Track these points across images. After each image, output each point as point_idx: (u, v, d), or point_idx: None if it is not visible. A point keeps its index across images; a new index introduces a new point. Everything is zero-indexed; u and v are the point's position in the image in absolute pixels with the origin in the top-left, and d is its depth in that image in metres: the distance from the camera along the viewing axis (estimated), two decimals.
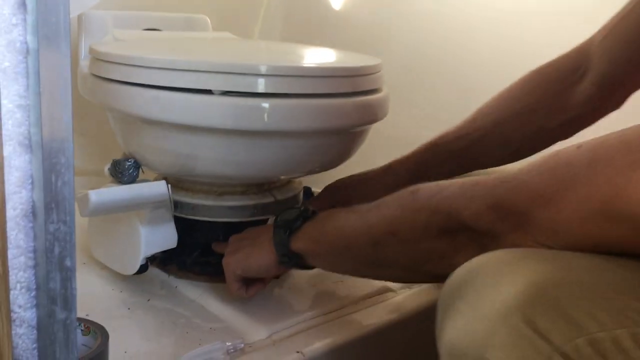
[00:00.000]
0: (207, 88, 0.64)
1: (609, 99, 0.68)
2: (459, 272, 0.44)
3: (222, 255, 0.79)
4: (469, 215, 0.47)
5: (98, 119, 0.82)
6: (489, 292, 0.40)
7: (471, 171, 0.79)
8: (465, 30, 1.05)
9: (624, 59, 0.64)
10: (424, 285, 0.83)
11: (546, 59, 0.73)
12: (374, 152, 0.81)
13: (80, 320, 0.58)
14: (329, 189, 0.83)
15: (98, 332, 0.57)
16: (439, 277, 0.54)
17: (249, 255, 0.68)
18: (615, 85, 0.66)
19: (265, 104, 0.65)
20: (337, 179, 0.87)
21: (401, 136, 0.88)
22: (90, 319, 0.68)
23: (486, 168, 0.78)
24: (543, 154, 0.48)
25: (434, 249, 0.51)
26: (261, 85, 0.64)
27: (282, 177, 0.78)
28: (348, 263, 0.61)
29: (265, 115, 0.65)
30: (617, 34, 0.64)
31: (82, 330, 0.58)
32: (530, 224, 0.44)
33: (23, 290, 0.36)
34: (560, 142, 0.73)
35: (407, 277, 0.59)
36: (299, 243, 0.63)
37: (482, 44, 1.03)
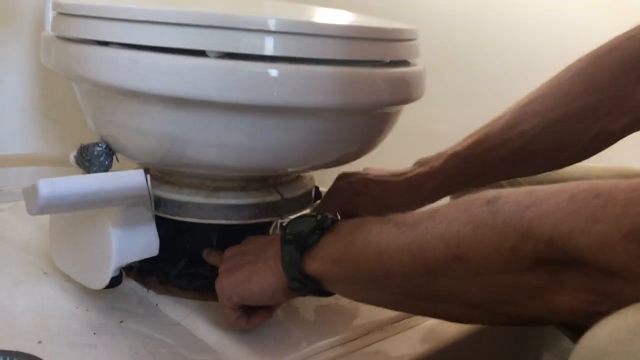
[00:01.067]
0: (200, 48, 0.49)
1: None
2: (602, 336, 0.28)
3: (214, 266, 0.64)
4: (589, 246, 0.32)
5: (70, 100, 0.68)
6: None
7: (508, 179, 0.66)
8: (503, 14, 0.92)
9: None
10: None
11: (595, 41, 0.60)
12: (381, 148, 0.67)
13: (13, 355, 0.43)
14: (335, 192, 0.67)
15: None
16: (522, 320, 0.40)
17: (250, 277, 0.53)
18: None
19: (274, 70, 0.50)
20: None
21: (415, 129, 0.73)
22: (44, 347, 0.53)
23: (526, 176, 0.65)
24: None
25: (521, 285, 0.36)
26: (269, 46, 0.49)
27: (291, 169, 0.62)
28: (385, 295, 0.46)
29: (273, 85, 0.50)
30: None
31: None
32: None
33: None
34: None
35: (474, 317, 0.43)
36: (316, 264, 0.49)
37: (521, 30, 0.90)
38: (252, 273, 0.53)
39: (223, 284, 0.54)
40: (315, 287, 0.50)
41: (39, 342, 0.54)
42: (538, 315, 0.37)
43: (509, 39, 0.93)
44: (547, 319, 0.38)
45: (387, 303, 0.48)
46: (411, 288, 0.43)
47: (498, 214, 0.36)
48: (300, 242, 0.49)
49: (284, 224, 0.54)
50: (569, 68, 0.60)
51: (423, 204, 0.66)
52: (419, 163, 0.67)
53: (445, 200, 0.65)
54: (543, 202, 0.34)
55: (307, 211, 0.65)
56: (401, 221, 0.44)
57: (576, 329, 0.66)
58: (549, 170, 0.64)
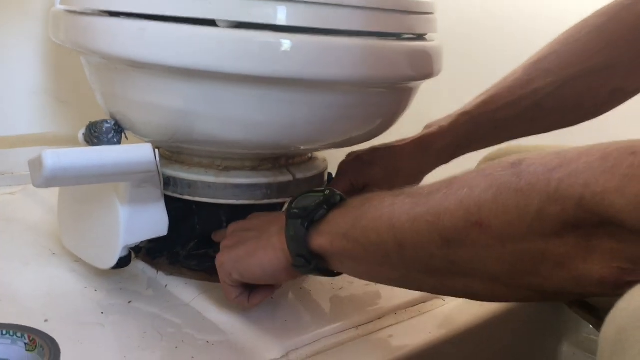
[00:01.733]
0: (210, 17, 0.47)
1: None
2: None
3: None
4: (624, 206, 0.29)
5: (81, 82, 0.67)
6: None
7: (518, 138, 0.64)
8: None
9: None
10: None
11: None
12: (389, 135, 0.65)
13: (24, 330, 0.42)
14: (346, 166, 0.65)
15: (46, 348, 0.40)
16: (545, 294, 0.37)
17: (251, 253, 0.51)
18: None
19: (287, 41, 0.48)
20: None
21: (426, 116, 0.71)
22: (50, 325, 0.52)
23: (539, 133, 0.62)
24: None
25: (547, 253, 0.34)
26: (282, 16, 0.47)
27: (304, 146, 0.60)
28: (398, 269, 0.43)
29: (286, 56, 0.48)
30: None
31: (25, 344, 0.41)
32: None
33: None
34: None
35: (494, 292, 0.39)
36: (322, 239, 0.46)
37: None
38: (254, 250, 0.51)
39: (223, 260, 0.53)
40: (321, 264, 0.48)
41: (46, 320, 0.53)
42: (563, 287, 0.34)
43: (525, 23, 0.90)
44: (573, 292, 0.36)
45: (398, 280, 0.45)
46: (426, 261, 0.40)
47: (523, 176, 0.34)
48: (306, 217, 0.47)
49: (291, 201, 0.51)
50: (585, 23, 0.58)
51: (433, 166, 0.64)
52: (427, 126, 0.65)
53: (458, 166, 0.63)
54: (572, 161, 0.32)
55: None
56: (415, 192, 0.41)
57: (598, 314, 0.65)
58: (561, 128, 0.62)
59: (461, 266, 0.38)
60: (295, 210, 0.48)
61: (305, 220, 0.47)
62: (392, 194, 0.43)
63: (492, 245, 0.36)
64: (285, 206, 0.61)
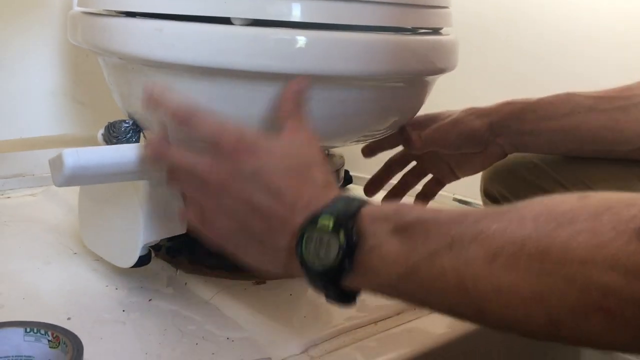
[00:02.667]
0: (225, 15, 0.48)
1: None
2: None
3: None
4: None
5: (98, 83, 0.68)
6: None
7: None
8: None
9: None
10: None
11: None
12: None
13: (47, 327, 0.42)
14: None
15: (69, 344, 0.41)
16: None
17: (251, 253, 0.43)
18: None
19: (302, 37, 0.48)
20: (372, 161, 0.70)
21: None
22: (73, 323, 0.53)
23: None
24: None
25: None
26: (296, 12, 0.48)
27: (321, 143, 0.60)
28: (474, 323, 0.36)
29: (303, 52, 0.48)
30: None
31: (49, 341, 0.42)
32: None
33: None
34: None
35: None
36: (359, 286, 0.38)
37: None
38: (257, 254, 0.43)
39: (208, 230, 0.43)
40: (353, 300, 0.40)
41: (68, 318, 0.54)
42: None
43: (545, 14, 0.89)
44: None
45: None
46: (520, 331, 0.33)
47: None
48: (330, 278, 0.37)
49: (303, 230, 0.39)
50: None
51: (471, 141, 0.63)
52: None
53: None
54: None
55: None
56: (486, 238, 0.32)
57: None
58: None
59: (570, 341, 0.32)
60: (313, 269, 0.38)
61: (331, 280, 0.38)
62: (446, 228, 0.34)
63: (624, 334, 0.29)
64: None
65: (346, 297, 0.39)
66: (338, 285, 0.38)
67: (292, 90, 0.46)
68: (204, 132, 0.43)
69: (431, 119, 0.65)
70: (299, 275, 0.40)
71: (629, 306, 0.28)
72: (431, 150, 0.65)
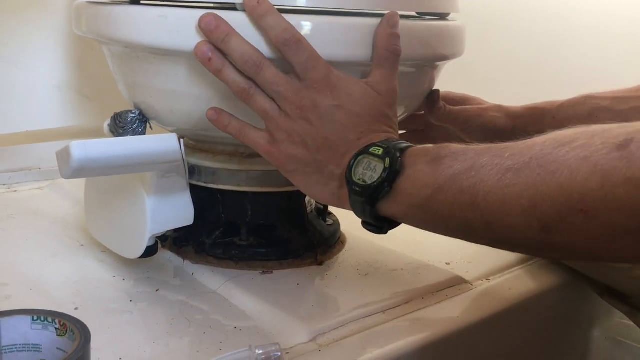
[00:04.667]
0: (230, 1, 0.47)
1: None
2: None
3: (249, 236, 0.63)
4: None
5: (104, 77, 0.67)
6: None
7: None
8: None
9: None
10: (507, 276, 0.66)
11: None
12: None
13: (55, 315, 0.42)
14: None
15: (77, 332, 0.41)
16: None
17: (307, 183, 0.48)
18: None
19: (307, 23, 0.48)
20: None
21: None
22: (80, 313, 0.53)
23: None
24: None
25: None
26: None
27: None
28: (484, 241, 0.41)
29: (309, 38, 0.47)
30: None
31: (56, 329, 0.42)
32: None
33: None
34: None
35: (590, 264, 0.39)
36: (393, 209, 0.44)
37: None
38: (311, 182, 0.48)
39: (274, 150, 0.48)
40: (392, 226, 0.45)
41: (76, 308, 0.54)
42: None
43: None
44: None
45: (485, 244, 0.42)
46: (519, 241, 0.38)
47: (633, 162, 0.31)
48: (369, 196, 0.43)
49: (356, 156, 0.45)
50: None
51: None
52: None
53: None
54: None
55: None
56: (497, 157, 0.37)
57: (630, 302, 0.63)
58: None
59: (560, 249, 0.36)
60: (357, 188, 0.44)
61: (369, 198, 0.43)
62: (465, 156, 0.39)
63: (599, 235, 0.33)
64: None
65: (380, 223, 0.45)
66: (375, 206, 0.43)
67: (386, 33, 0.48)
68: (303, 57, 0.46)
69: (464, 99, 0.66)
70: (346, 203, 0.45)
71: (603, 207, 0.32)
72: (447, 126, 0.66)
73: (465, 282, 0.63)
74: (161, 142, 0.52)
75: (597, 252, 0.35)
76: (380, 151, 0.44)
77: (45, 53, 0.94)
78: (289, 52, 0.46)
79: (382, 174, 0.43)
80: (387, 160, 0.43)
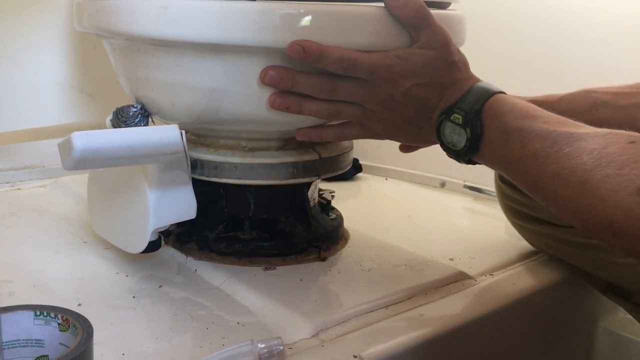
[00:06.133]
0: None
1: None
2: None
3: (252, 230, 0.63)
4: None
5: (106, 75, 0.67)
6: None
7: None
8: None
9: None
10: (511, 272, 0.66)
11: None
12: None
13: (57, 311, 0.42)
14: None
15: (79, 327, 0.41)
16: None
17: (402, 135, 0.56)
18: None
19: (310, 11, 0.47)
20: (381, 149, 0.70)
21: None
22: (84, 309, 0.53)
23: None
24: None
25: None
26: None
27: (333, 122, 0.60)
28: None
29: (310, 27, 0.47)
30: None
31: (59, 324, 0.42)
32: None
33: None
34: None
35: None
36: (480, 160, 0.51)
37: None
38: (408, 135, 0.55)
39: (367, 120, 0.54)
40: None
41: (79, 304, 0.54)
42: None
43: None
44: None
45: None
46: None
47: None
48: (461, 156, 0.51)
49: (441, 118, 0.51)
50: None
51: None
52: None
53: None
54: None
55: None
56: (552, 160, 0.43)
57: (633, 299, 0.63)
58: None
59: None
60: (449, 151, 0.52)
61: (461, 158, 0.51)
62: (533, 142, 0.45)
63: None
64: (315, 186, 0.61)
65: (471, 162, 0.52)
66: (464, 159, 0.51)
67: (400, 4, 0.51)
68: (364, 70, 0.51)
69: None
70: (435, 142, 0.53)
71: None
72: None
73: (469, 277, 0.63)
74: (163, 133, 0.51)
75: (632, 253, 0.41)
76: (460, 120, 0.50)
77: (47, 51, 0.94)
78: (353, 73, 0.51)
79: (466, 143, 0.49)
80: (468, 130, 0.49)
